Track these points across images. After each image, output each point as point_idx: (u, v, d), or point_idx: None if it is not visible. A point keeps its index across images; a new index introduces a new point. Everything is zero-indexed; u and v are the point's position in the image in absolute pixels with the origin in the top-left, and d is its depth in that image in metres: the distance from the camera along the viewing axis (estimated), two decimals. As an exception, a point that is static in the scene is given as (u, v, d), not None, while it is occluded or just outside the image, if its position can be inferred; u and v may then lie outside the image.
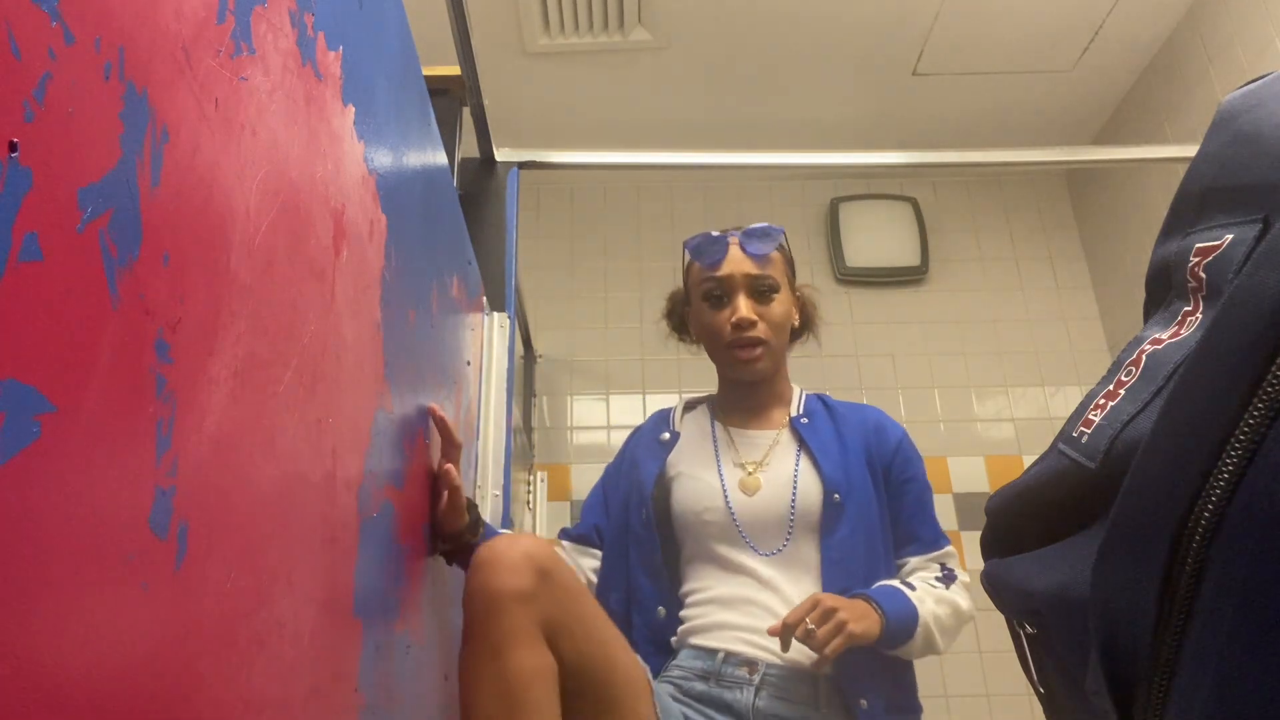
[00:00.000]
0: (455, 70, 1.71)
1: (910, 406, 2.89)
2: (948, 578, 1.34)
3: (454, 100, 1.78)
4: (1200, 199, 0.39)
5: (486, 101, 1.80)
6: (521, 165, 1.94)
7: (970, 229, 3.19)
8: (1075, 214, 3.22)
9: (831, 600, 1.17)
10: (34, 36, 0.35)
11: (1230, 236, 0.36)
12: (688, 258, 1.50)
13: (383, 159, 0.89)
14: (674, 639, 1.33)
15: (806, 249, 3.08)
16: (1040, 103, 2.94)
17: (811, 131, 3.03)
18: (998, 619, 0.50)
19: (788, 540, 1.32)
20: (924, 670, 1.37)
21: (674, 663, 1.29)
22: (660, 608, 1.36)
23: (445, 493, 1.08)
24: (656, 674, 1.28)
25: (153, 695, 0.44)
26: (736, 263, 1.42)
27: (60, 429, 0.36)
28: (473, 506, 1.15)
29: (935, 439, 2.83)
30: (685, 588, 1.36)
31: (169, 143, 0.46)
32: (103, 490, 0.40)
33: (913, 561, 1.37)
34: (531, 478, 2.71)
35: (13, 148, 0.34)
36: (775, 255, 1.45)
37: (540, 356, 2.94)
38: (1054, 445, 0.41)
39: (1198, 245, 0.38)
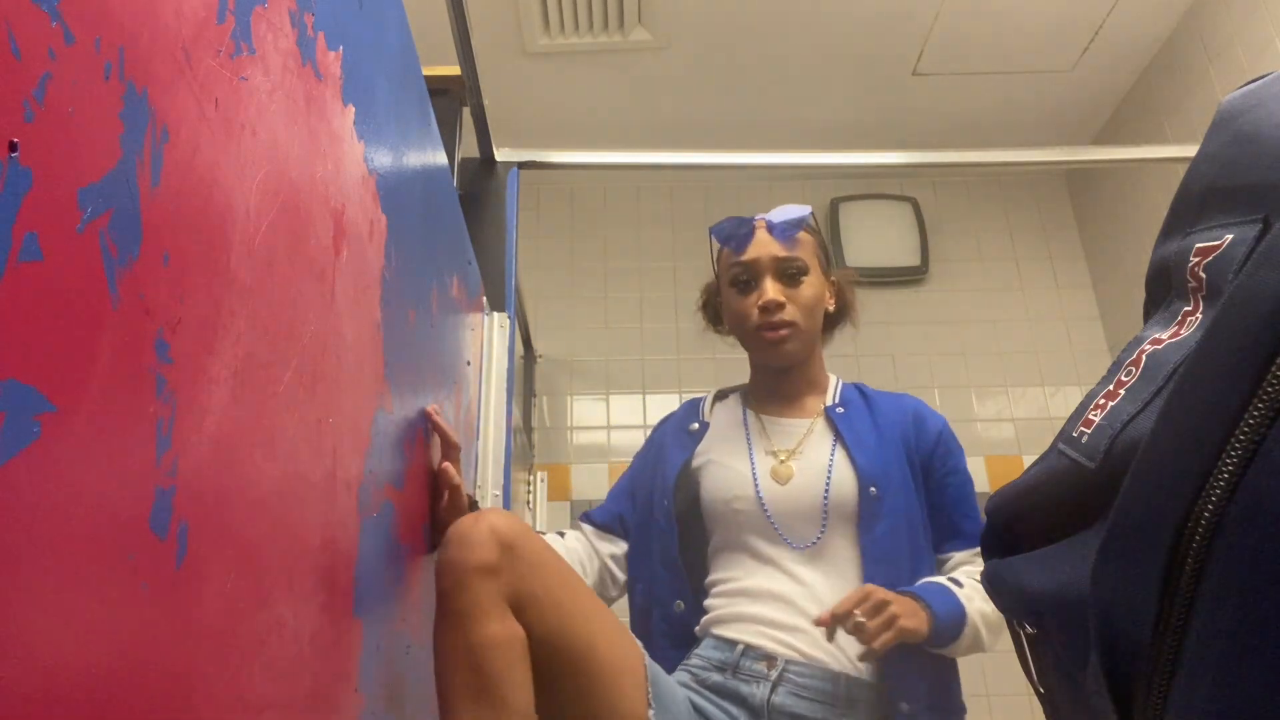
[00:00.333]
0: (455, 70, 1.71)
1: (910, 406, 2.89)
2: None
3: (454, 100, 1.78)
4: (1200, 199, 0.39)
5: (486, 101, 1.80)
6: (521, 165, 1.94)
7: (970, 229, 3.19)
8: (1075, 214, 3.22)
9: (883, 593, 1.13)
10: (34, 36, 0.35)
11: (1230, 236, 0.36)
12: (717, 245, 1.46)
13: (383, 159, 0.89)
14: (697, 628, 1.30)
15: (806, 249, 3.08)
16: (1040, 103, 2.94)
17: (811, 131, 3.03)
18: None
19: (822, 533, 1.28)
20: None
21: (695, 651, 1.27)
22: (679, 601, 1.33)
23: (446, 492, 1.09)
24: (673, 668, 1.26)
25: (153, 695, 0.44)
26: (763, 246, 1.39)
27: (60, 429, 0.36)
28: (474, 504, 1.15)
29: (935, 439, 2.82)
30: (712, 577, 1.33)
31: (169, 143, 0.46)
32: (103, 490, 0.40)
33: (957, 557, 1.33)
34: (531, 478, 2.71)
35: (13, 148, 0.34)
36: (804, 237, 1.41)
37: (540, 356, 2.94)
38: (1054, 445, 0.41)
39: (1198, 245, 0.38)
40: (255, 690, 0.56)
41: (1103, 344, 3.01)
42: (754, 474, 1.34)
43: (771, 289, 1.36)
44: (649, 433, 1.58)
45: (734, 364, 1.60)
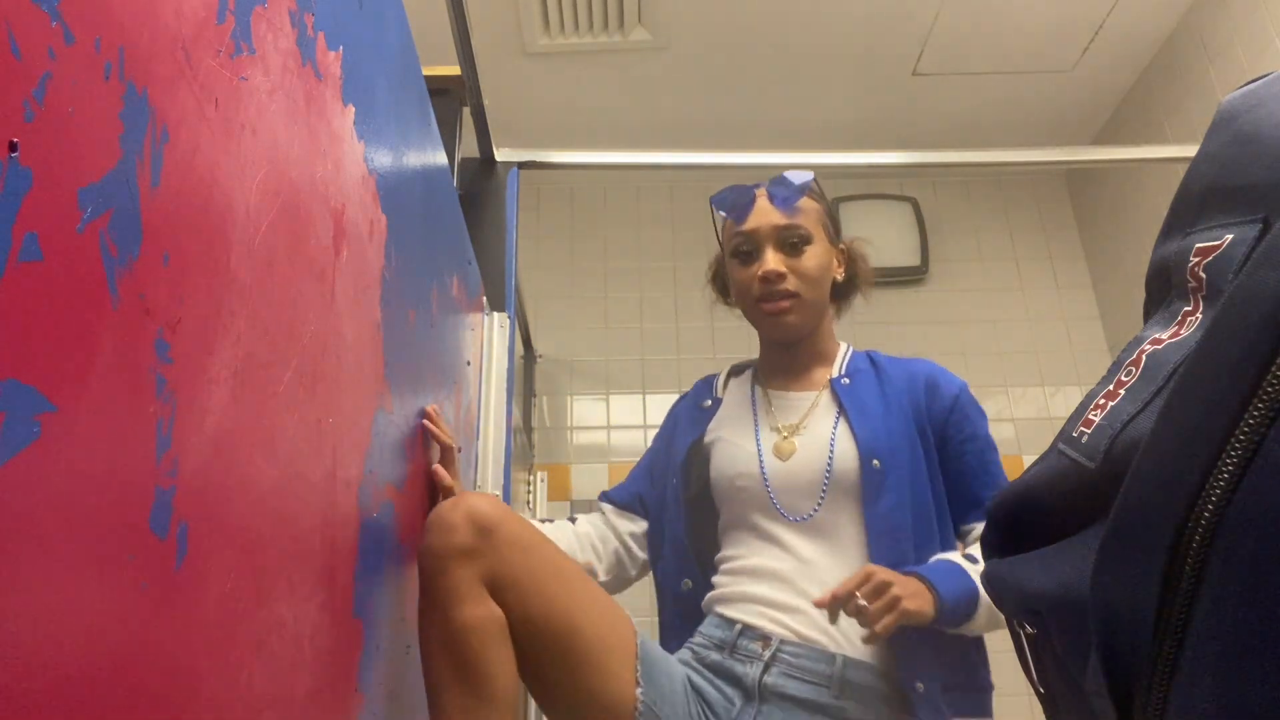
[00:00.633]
0: (455, 70, 1.71)
1: (910, 406, 2.89)
2: None
3: (454, 100, 1.78)
4: (1200, 199, 0.39)
5: (486, 101, 1.80)
6: (521, 165, 1.94)
7: (970, 229, 3.19)
8: (1075, 214, 3.22)
9: (885, 574, 1.08)
10: (34, 36, 0.35)
11: (1230, 236, 0.36)
12: (721, 216, 1.42)
13: (383, 159, 0.89)
14: (703, 604, 1.30)
15: (806, 249, 3.08)
16: (1040, 103, 2.94)
17: (811, 131, 3.03)
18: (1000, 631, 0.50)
19: (819, 506, 1.25)
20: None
21: (699, 629, 1.27)
22: (686, 579, 1.33)
23: (441, 495, 1.09)
24: (681, 645, 1.26)
25: (153, 695, 0.44)
26: (764, 215, 1.34)
27: (60, 429, 0.36)
28: None
29: (935, 439, 2.83)
30: (720, 555, 1.32)
31: (169, 143, 0.46)
32: (103, 490, 0.40)
33: (978, 529, 1.26)
34: (531, 478, 2.71)
35: (13, 148, 0.34)
36: (807, 204, 1.36)
37: (540, 356, 2.93)
38: (1054, 445, 0.41)
39: (1198, 245, 0.38)
40: (255, 690, 0.56)
41: (1103, 344, 3.01)
42: (759, 451, 1.31)
43: (772, 259, 1.32)
44: (664, 417, 1.55)
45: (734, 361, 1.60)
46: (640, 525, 1.42)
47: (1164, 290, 0.41)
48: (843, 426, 1.29)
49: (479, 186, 1.89)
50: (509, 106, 2.60)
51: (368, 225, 0.83)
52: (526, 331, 2.75)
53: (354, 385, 0.77)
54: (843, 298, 1.44)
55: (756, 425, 1.36)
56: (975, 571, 1.16)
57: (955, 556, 1.20)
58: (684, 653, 1.24)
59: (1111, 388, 0.39)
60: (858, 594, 1.07)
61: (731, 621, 1.23)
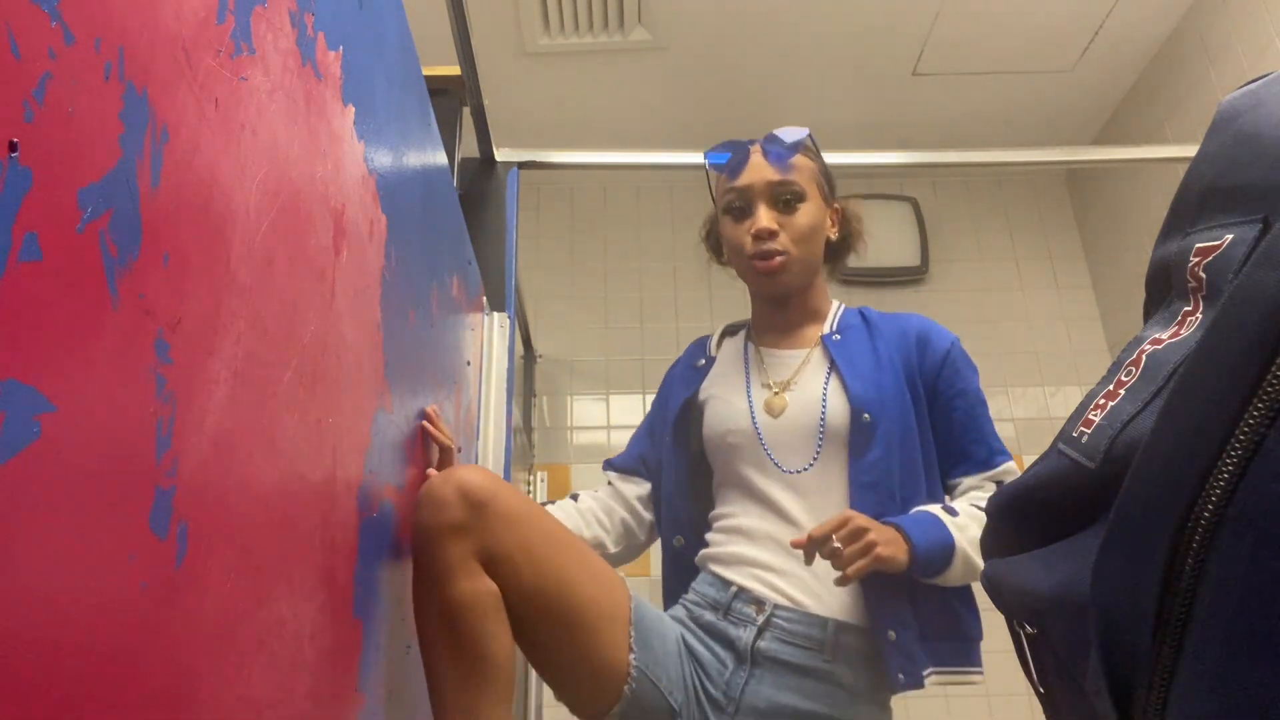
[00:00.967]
0: (455, 70, 1.71)
1: (910, 406, 2.89)
2: None
3: (454, 100, 1.78)
4: (1200, 199, 0.39)
5: (486, 101, 1.80)
6: (521, 165, 1.94)
7: (970, 229, 3.19)
8: (1075, 214, 3.22)
9: (862, 520, 1.10)
10: (34, 36, 0.35)
11: (1230, 236, 0.36)
12: (715, 172, 1.41)
13: (383, 159, 0.89)
14: (696, 559, 1.30)
15: (806, 249, 3.09)
16: (1040, 103, 2.94)
17: (812, 131, 3.02)
18: (997, 618, 0.50)
19: (815, 459, 1.25)
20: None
21: (693, 585, 1.27)
22: (678, 536, 1.34)
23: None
24: (677, 601, 1.28)
25: (153, 695, 0.44)
26: (757, 171, 1.34)
27: (60, 429, 0.36)
28: None
29: (935, 439, 2.83)
30: (715, 511, 1.33)
31: (169, 143, 0.46)
32: (103, 490, 0.40)
33: (965, 482, 1.28)
34: (531, 478, 2.71)
35: (13, 148, 0.34)
36: (801, 161, 1.36)
37: (540, 356, 2.94)
38: (1054, 445, 0.41)
39: (1198, 245, 0.38)
40: (255, 690, 0.56)
41: (1103, 344, 3.01)
42: (750, 408, 1.32)
43: (764, 216, 1.32)
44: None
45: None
46: (645, 487, 1.43)
47: (1164, 290, 0.41)
48: (834, 381, 1.29)
49: (479, 186, 1.90)
50: (509, 106, 2.60)
51: (368, 225, 0.83)
52: (526, 331, 2.75)
53: (354, 385, 0.77)
54: (836, 257, 1.44)
55: (748, 382, 1.36)
56: (953, 523, 1.17)
57: (934, 508, 1.21)
58: (678, 609, 1.25)
59: (1111, 388, 0.39)
60: (834, 537, 1.08)
61: (726, 583, 1.23)
